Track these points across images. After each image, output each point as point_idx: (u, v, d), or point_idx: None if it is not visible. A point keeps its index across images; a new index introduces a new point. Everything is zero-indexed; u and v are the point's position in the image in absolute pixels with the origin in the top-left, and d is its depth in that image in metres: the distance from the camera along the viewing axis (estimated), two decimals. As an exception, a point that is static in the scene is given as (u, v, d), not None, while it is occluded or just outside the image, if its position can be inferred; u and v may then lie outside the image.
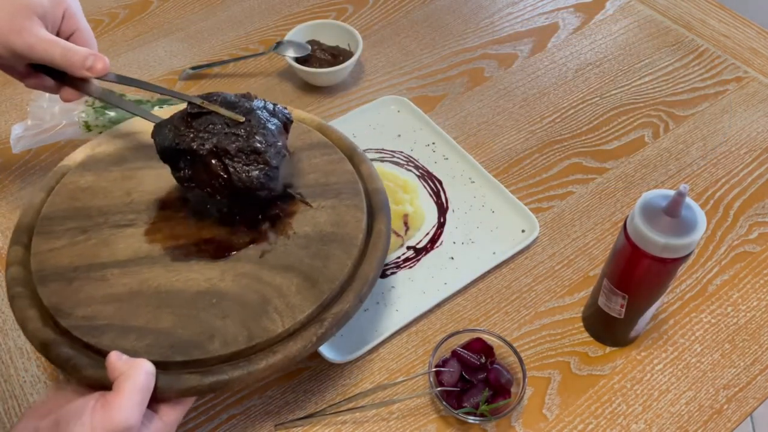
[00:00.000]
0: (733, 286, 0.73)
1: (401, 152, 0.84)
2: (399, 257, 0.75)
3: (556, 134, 0.87)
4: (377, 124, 0.88)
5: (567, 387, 0.66)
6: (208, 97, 0.61)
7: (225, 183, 0.58)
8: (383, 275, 0.73)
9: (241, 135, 0.57)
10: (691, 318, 0.71)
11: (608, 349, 0.69)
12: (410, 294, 0.72)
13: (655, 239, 0.54)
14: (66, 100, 0.65)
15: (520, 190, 0.81)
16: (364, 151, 0.84)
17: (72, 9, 0.63)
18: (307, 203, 0.65)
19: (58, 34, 0.63)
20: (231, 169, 0.57)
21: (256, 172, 0.57)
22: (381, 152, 0.84)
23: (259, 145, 0.57)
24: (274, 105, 0.63)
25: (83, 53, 0.61)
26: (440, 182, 0.81)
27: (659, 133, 0.88)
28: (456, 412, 0.61)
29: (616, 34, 1.00)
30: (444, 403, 0.62)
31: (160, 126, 0.61)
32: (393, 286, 0.73)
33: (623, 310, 0.63)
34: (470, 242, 0.76)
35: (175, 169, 0.61)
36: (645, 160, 0.85)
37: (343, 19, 1.02)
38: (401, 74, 0.95)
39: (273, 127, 0.60)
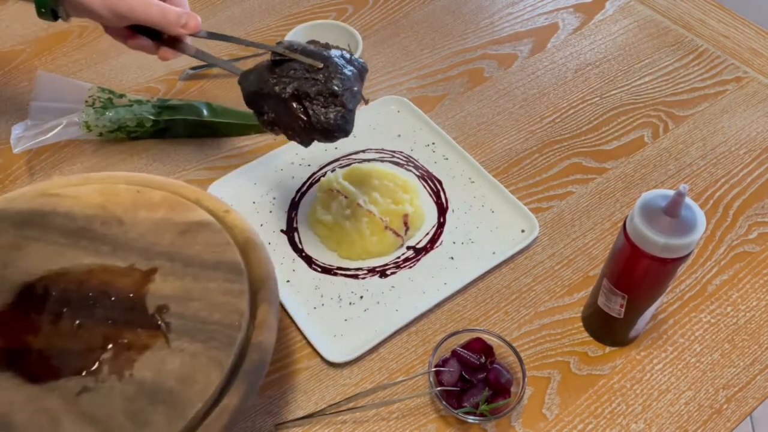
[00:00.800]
0: (732, 286, 0.73)
1: (401, 152, 0.84)
2: (399, 257, 0.75)
3: (556, 134, 0.87)
4: (377, 124, 0.88)
5: (567, 387, 0.66)
6: (289, 46, 0.63)
7: (305, 125, 0.60)
8: (383, 275, 0.73)
9: (320, 79, 0.60)
10: (691, 318, 0.71)
11: (608, 348, 0.69)
12: (410, 294, 0.72)
13: (655, 239, 0.54)
14: (163, 59, 0.70)
15: (519, 190, 0.81)
16: (364, 151, 0.84)
17: None
18: (167, 340, 0.55)
19: None
20: (310, 112, 0.59)
21: (333, 114, 0.60)
22: (381, 152, 0.84)
23: (336, 88, 0.59)
24: (351, 54, 0.65)
25: (177, 11, 0.66)
26: (440, 182, 0.82)
27: (659, 133, 0.88)
28: (456, 411, 0.61)
29: (615, 35, 1.00)
30: (444, 402, 0.62)
31: (246, 74, 0.64)
32: (393, 286, 0.73)
33: (623, 310, 0.63)
34: (470, 242, 0.76)
35: (259, 114, 0.63)
36: (644, 160, 0.85)
37: (343, 19, 1.02)
38: (401, 74, 0.95)
39: (349, 73, 0.61)
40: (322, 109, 0.60)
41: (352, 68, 0.63)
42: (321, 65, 0.61)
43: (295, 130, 0.61)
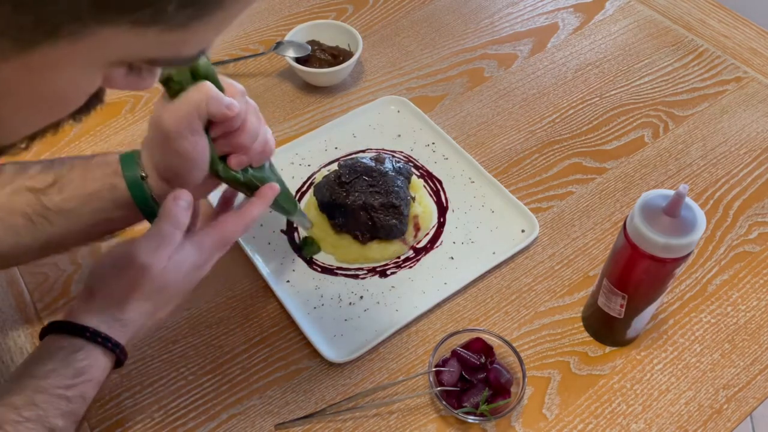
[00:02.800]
0: (732, 286, 0.73)
1: (401, 152, 0.84)
2: (399, 257, 0.75)
3: (556, 134, 0.87)
4: (377, 124, 0.88)
5: (567, 387, 0.66)
6: (354, 157, 0.76)
7: (370, 229, 0.73)
8: (383, 275, 0.73)
9: (381, 192, 0.73)
10: (691, 318, 0.71)
11: (608, 348, 0.69)
12: (410, 294, 0.72)
13: (655, 239, 0.54)
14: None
15: (520, 190, 0.81)
16: (364, 150, 0.84)
17: None
18: None
19: None
20: (376, 219, 0.73)
21: (395, 221, 0.73)
22: (381, 152, 0.84)
23: (395, 201, 0.73)
24: (399, 165, 0.77)
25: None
26: (440, 182, 0.82)
27: (659, 133, 0.88)
28: (456, 411, 0.61)
29: (615, 35, 1.00)
30: (444, 402, 0.62)
31: (319, 186, 0.76)
32: (393, 286, 0.73)
33: (623, 309, 0.63)
34: (470, 242, 0.76)
35: (330, 217, 0.74)
36: (645, 160, 0.85)
37: (343, 19, 1.02)
38: (401, 74, 0.95)
39: (401, 184, 0.75)
40: (386, 217, 0.73)
41: (402, 178, 0.76)
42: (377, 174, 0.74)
43: (362, 231, 0.74)
